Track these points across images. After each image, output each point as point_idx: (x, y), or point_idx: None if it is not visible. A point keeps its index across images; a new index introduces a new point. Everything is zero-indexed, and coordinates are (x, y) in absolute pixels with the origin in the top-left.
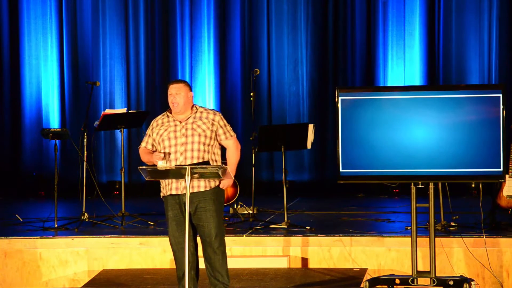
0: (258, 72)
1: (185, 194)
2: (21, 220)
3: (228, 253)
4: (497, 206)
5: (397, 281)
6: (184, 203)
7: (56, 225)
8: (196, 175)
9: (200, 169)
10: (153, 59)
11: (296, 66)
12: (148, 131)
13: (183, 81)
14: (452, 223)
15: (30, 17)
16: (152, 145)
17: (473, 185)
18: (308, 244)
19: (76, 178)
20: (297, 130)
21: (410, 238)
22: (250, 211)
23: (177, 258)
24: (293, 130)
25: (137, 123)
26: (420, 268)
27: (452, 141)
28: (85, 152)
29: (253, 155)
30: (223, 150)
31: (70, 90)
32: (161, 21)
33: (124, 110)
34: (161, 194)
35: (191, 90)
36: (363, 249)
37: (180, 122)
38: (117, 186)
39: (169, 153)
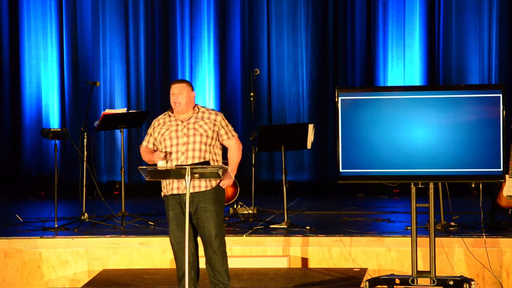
0: (258, 72)
1: (186, 193)
2: (21, 220)
3: (228, 253)
4: (497, 206)
5: (397, 281)
6: (185, 203)
7: (56, 225)
8: (196, 175)
9: (200, 169)
10: (153, 59)
11: (296, 66)
12: (150, 130)
13: (186, 81)
14: (452, 223)
15: (30, 17)
16: (154, 144)
17: (473, 185)
18: (308, 244)
19: (76, 178)
20: (297, 130)
21: (410, 238)
22: (250, 211)
23: (178, 258)
24: (293, 130)
25: (137, 123)
26: (420, 268)
27: (452, 141)
28: (85, 152)
29: (253, 155)
30: (224, 150)
31: (70, 90)
32: (161, 21)
33: (124, 110)
34: (162, 194)
35: (193, 90)
36: (363, 249)
37: (182, 121)
38: (117, 186)
39: (170, 153)
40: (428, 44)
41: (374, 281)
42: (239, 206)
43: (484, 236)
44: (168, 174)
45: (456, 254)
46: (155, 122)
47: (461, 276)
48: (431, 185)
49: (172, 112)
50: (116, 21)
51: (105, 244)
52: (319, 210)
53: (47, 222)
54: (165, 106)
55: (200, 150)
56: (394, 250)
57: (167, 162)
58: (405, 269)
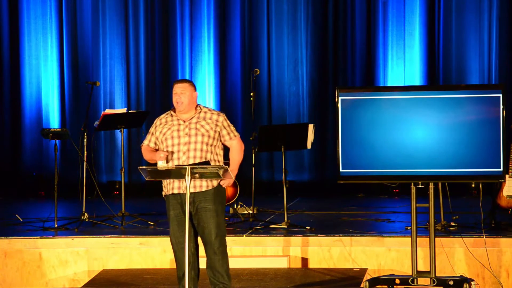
0: (258, 72)
1: (186, 194)
2: (21, 220)
3: (228, 253)
4: (497, 206)
5: (397, 281)
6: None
7: (56, 225)
8: (196, 175)
9: (200, 169)
10: (153, 59)
11: (296, 66)
12: (151, 129)
13: (188, 81)
14: (452, 223)
15: (30, 17)
16: (155, 143)
17: (473, 185)
18: (308, 244)
19: (76, 178)
20: (297, 130)
21: (410, 238)
22: (250, 211)
23: (178, 258)
24: (293, 130)
25: (137, 123)
26: (420, 268)
27: (452, 141)
28: (85, 152)
29: (253, 155)
30: (226, 150)
31: (70, 90)
32: (161, 21)
33: (124, 110)
34: (163, 193)
35: (195, 90)
36: (363, 249)
37: (184, 121)
38: (117, 186)
39: (172, 152)
40: (428, 44)
41: (374, 281)
42: (239, 206)
43: (484, 236)
44: (168, 174)
45: (456, 254)
46: (157, 121)
47: (461, 276)
48: (431, 185)
49: (174, 112)
50: (116, 21)
51: (105, 244)
52: (319, 210)
53: (47, 222)
54: (165, 106)
55: (201, 150)
56: (394, 250)
57: (167, 162)
58: (405, 269)
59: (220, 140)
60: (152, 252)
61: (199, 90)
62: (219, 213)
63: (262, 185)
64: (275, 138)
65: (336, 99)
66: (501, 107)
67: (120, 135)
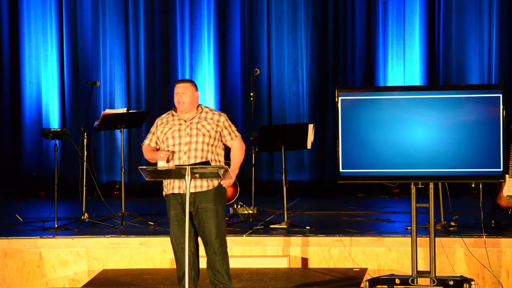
0: (258, 72)
1: (186, 194)
2: (21, 220)
3: (228, 253)
4: (497, 206)
5: (397, 281)
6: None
7: (56, 225)
8: (196, 175)
9: (200, 169)
10: (153, 59)
11: (296, 66)
12: (153, 129)
13: (190, 81)
14: (452, 223)
15: (30, 17)
16: (156, 143)
17: (473, 185)
18: (308, 244)
19: (76, 178)
20: (297, 130)
21: (410, 238)
22: (250, 211)
23: (178, 258)
24: (293, 130)
25: (137, 123)
26: (420, 268)
27: (452, 141)
28: (85, 152)
29: (253, 155)
30: (227, 150)
31: (70, 90)
32: (161, 21)
33: (124, 110)
34: (163, 193)
35: (197, 90)
36: (363, 249)
37: (185, 121)
38: (117, 186)
39: (173, 152)
40: (428, 44)
41: (374, 281)
42: (239, 206)
43: (484, 236)
44: (168, 174)
45: (456, 254)
46: (158, 121)
47: (461, 276)
48: (431, 185)
49: (176, 111)
50: (116, 21)
51: (105, 244)
52: (319, 210)
53: (47, 222)
54: (165, 106)
55: (202, 150)
56: (394, 250)
57: (168, 162)
58: (405, 269)
59: (221, 141)
60: (152, 252)
61: (199, 90)
62: (220, 214)
63: (262, 185)
64: (275, 138)
65: (336, 99)
66: (501, 107)
67: (120, 135)
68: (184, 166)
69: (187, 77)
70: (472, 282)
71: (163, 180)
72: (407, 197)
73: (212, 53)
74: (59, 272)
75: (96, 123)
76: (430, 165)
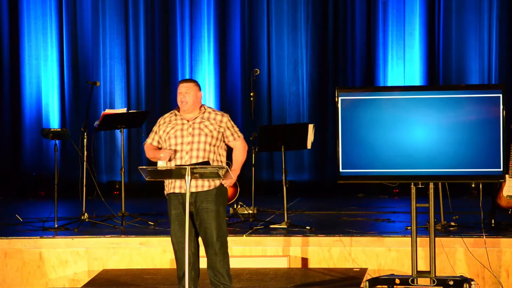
0: (258, 72)
1: (186, 194)
2: (21, 220)
3: (228, 253)
4: (497, 206)
5: (397, 281)
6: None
7: (56, 225)
8: (196, 175)
9: (200, 169)
10: (153, 59)
11: (296, 66)
12: (155, 128)
13: (193, 81)
14: (452, 223)
15: (30, 17)
16: (158, 142)
17: (473, 185)
18: (308, 244)
19: (76, 178)
20: (297, 130)
21: (410, 238)
22: (250, 211)
23: (178, 258)
24: (293, 130)
25: (137, 123)
26: (420, 268)
27: (452, 141)
28: (85, 152)
29: (253, 155)
30: (229, 151)
31: (70, 90)
32: (161, 21)
33: (124, 110)
34: (165, 192)
35: (200, 90)
36: (363, 249)
37: (188, 121)
38: (117, 186)
39: (175, 151)
40: (428, 44)
41: (374, 281)
42: (239, 206)
43: (484, 236)
44: (169, 174)
45: (456, 254)
46: (160, 120)
47: (461, 276)
48: (431, 185)
49: (179, 111)
50: (116, 21)
51: (105, 244)
52: (319, 210)
53: (47, 222)
54: (165, 106)
55: (204, 150)
56: (394, 250)
57: (170, 161)
58: (405, 269)
59: (224, 141)
60: (152, 252)
61: None
62: (221, 214)
63: (262, 185)
64: (275, 138)
65: (336, 99)
66: (501, 107)
67: (120, 135)
68: (184, 166)
69: (187, 77)
70: (472, 282)
71: (165, 180)
72: (407, 197)
73: (212, 53)
74: (59, 272)
75: (96, 123)
76: (430, 165)
